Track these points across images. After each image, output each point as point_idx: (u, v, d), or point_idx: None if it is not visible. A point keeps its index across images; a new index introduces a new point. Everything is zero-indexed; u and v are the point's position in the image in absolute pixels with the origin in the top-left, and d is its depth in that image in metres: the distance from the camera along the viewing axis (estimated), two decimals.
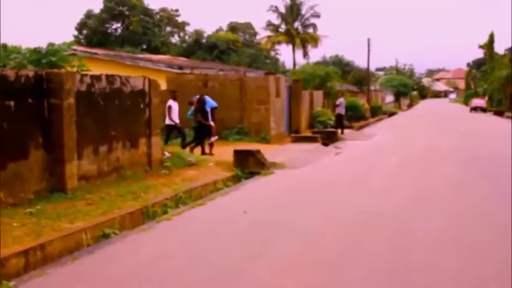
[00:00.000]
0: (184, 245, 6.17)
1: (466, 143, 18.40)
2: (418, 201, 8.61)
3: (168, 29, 58.05)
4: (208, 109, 14.22)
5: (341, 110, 23.54)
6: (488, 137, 20.44)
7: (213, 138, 14.14)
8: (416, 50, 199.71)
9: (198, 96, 14.40)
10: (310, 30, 52.60)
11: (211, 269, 5.34)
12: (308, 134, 20.87)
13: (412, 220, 7.29)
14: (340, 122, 23.40)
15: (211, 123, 14.15)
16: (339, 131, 22.00)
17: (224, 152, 13.38)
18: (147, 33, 52.72)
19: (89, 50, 22.76)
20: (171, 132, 14.42)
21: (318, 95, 26.97)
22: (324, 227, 6.93)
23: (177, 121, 14.21)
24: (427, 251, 5.90)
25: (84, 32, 53.60)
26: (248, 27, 60.06)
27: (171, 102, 14.23)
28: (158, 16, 56.21)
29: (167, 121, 14.07)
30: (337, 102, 23.70)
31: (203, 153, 13.67)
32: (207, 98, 14.48)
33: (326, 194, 9.31)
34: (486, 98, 52.70)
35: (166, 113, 14.04)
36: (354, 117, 30.25)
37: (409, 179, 10.83)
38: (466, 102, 66.17)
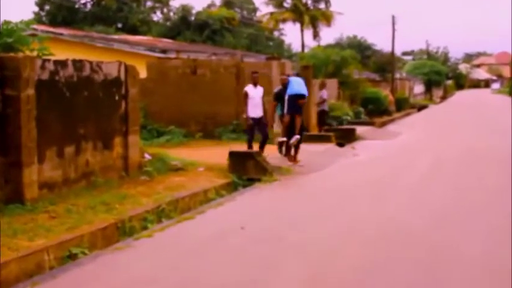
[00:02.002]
0: (168, 268, 6.18)
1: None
2: (452, 215, 8.62)
3: (149, 3, 58.08)
4: (286, 96, 12.86)
5: (325, 106, 21.63)
6: None
7: (294, 139, 12.84)
8: (452, 30, 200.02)
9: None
10: (322, 5, 52.61)
11: None
12: (320, 132, 20.86)
13: (444, 238, 7.29)
14: (323, 120, 21.65)
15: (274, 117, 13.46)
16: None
17: (217, 154, 13.40)
18: (123, 9, 52.71)
19: (52, 29, 22.78)
20: (253, 129, 13.08)
21: (332, 84, 27.00)
22: (339, 246, 6.94)
23: (259, 114, 12.87)
24: (463, 278, 5.90)
25: (47, 8, 53.60)
26: (246, 1, 60.12)
27: (249, 88, 13.00)
28: None
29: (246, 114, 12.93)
30: (324, 96, 21.30)
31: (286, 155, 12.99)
32: (292, 80, 13.06)
33: (341, 205, 9.33)
34: None
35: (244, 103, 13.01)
36: (376, 111, 30.30)
37: (442, 188, 10.85)
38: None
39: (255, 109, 12.81)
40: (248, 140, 13.29)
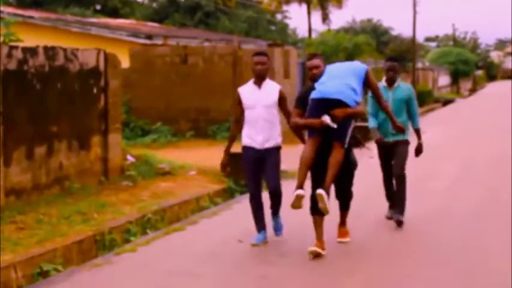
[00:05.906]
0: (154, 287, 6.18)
1: None
2: (488, 234, 8.57)
3: None
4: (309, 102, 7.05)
5: None
6: None
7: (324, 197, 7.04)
8: (482, 12, 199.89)
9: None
10: None
11: None
12: None
13: (480, 261, 7.27)
14: None
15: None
16: None
17: (210, 155, 13.39)
18: None
19: (20, 12, 22.80)
20: (254, 176, 8.09)
21: None
22: (351, 267, 6.94)
23: (265, 143, 7.75)
24: None
25: None
26: None
27: (244, 88, 7.66)
28: None
29: None
30: None
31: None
32: (327, 71, 7.20)
33: (353, 218, 9.30)
34: None
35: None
36: None
37: (472, 202, 10.70)
38: None
39: (254, 131, 7.63)
40: (252, 206, 7.78)
